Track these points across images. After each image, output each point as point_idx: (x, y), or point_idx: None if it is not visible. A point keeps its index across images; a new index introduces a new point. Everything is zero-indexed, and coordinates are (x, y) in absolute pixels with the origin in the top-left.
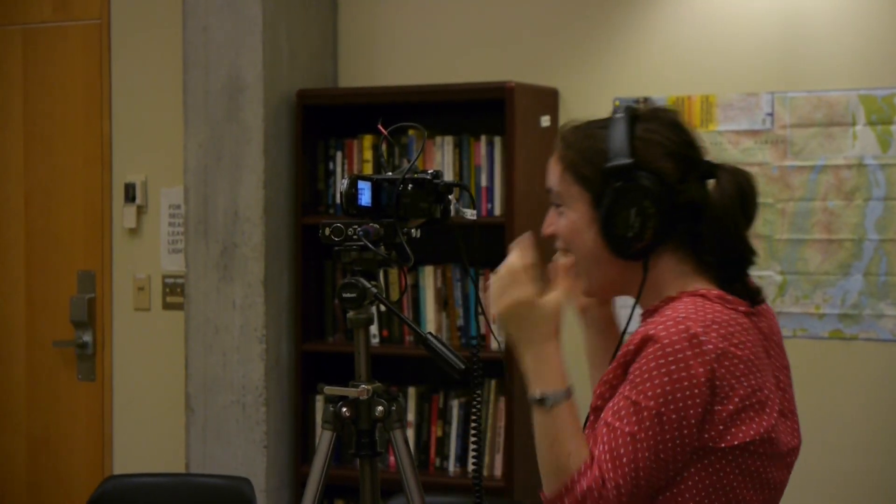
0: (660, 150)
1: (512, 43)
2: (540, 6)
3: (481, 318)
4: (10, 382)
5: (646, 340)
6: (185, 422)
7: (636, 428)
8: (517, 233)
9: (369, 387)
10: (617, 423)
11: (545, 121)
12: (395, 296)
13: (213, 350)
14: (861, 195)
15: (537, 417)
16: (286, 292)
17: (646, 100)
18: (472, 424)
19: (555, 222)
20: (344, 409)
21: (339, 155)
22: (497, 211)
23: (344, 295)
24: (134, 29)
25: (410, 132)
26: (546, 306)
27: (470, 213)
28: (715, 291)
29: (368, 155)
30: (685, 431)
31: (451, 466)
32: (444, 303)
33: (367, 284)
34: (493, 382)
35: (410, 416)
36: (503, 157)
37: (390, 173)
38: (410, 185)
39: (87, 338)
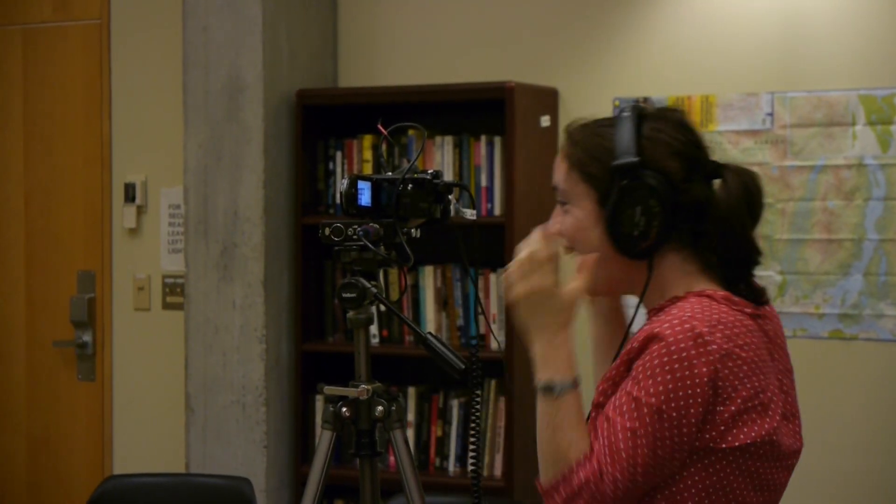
0: (666, 149)
1: (512, 43)
2: (540, 6)
3: (481, 318)
4: (10, 382)
5: (651, 338)
6: (185, 422)
7: (637, 424)
8: (517, 233)
9: (369, 387)
10: (617, 418)
11: (545, 121)
12: (394, 296)
13: (213, 350)
14: (861, 195)
15: (542, 405)
16: (286, 292)
17: (646, 100)
18: (472, 424)
19: (560, 220)
20: (344, 409)
21: (338, 155)
22: (497, 211)
23: (344, 295)
24: (134, 29)
25: (410, 132)
26: (564, 297)
27: (470, 213)
28: (721, 293)
29: (368, 155)
30: (684, 430)
31: (451, 466)
32: (443, 303)
33: (367, 284)
34: (492, 382)
35: (410, 416)
36: (503, 157)
37: (390, 173)
38: (410, 185)
39: (87, 338)
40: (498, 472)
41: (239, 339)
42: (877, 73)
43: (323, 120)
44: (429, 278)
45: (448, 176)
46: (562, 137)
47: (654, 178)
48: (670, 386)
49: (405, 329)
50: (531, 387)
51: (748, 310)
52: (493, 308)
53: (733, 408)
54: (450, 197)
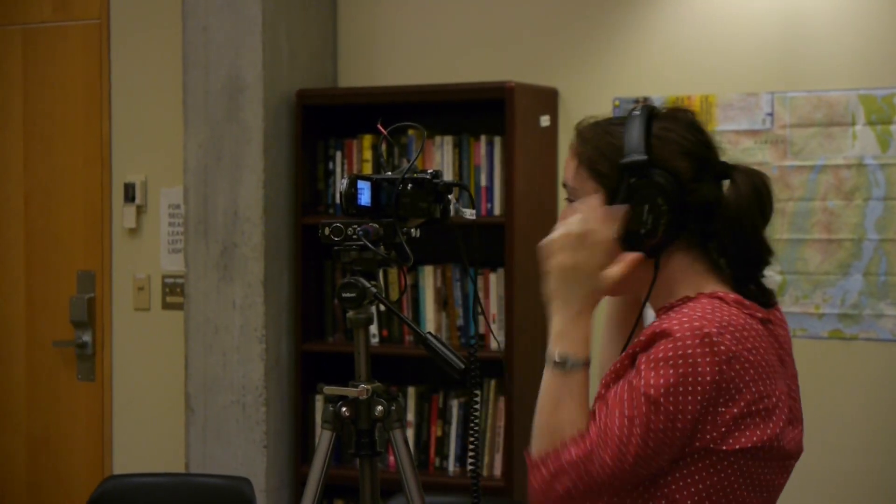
0: (676, 148)
1: (512, 43)
2: (540, 6)
3: (481, 318)
4: (10, 382)
5: (659, 335)
6: (185, 422)
7: (634, 413)
8: (517, 233)
9: (369, 386)
10: (616, 406)
11: (545, 121)
12: (394, 295)
13: (213, 350)
14: (861, 195)
15: (550, 377)
16: (286, 292)
17: (645, 100)
18: (472, 424)
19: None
20: (344, 409)
21: (338, 155)
22: (497, 211)
23: (344, 295)
24: (134, 29)
25: (410, 132)
26: (601, 280)
27: (469, 213)
28: (732, 295)
29: (368, 155)
30: (678, 425)
31: (451, 466)
32: (443, 302)
33: (367, 284)
34: (492, 382)
35: (410, 416)
36: (503, 157)
37: (390, 173)
38: (410, 185)
39: (87, 338)
40: (497, 472)
41: (239, 339)
42: (877, 73)
43: (323, 120)
44: (428, 278)
45: (448, 176)
46: (572, 135)
47: (662, 176)
48: (671, 380)
49: (405, 329)
50: (531, 387)
51: (759, 314)
52: (493, 308)
53: (735, 410)
54: (449, 197)
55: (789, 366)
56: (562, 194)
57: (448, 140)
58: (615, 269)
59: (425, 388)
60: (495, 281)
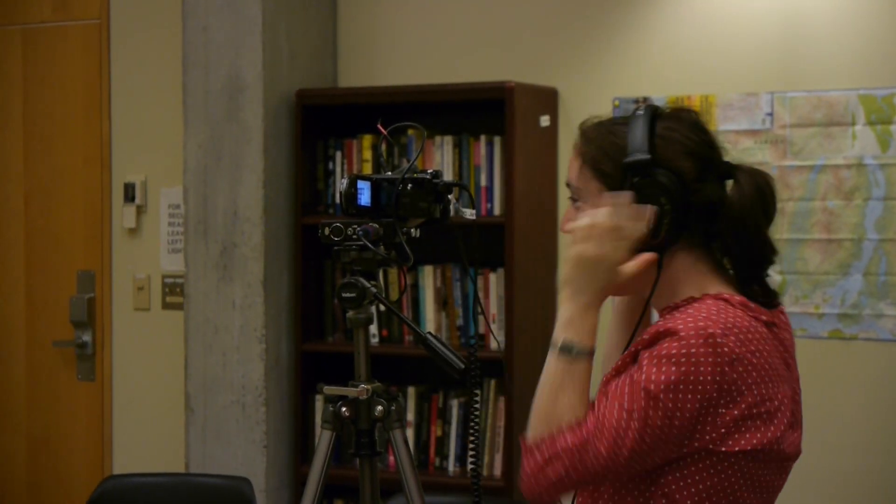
0: (679, 148)
1: (512, 43)
2: (540, 6)
3: (481, 317)
4: (10, 382)
5: (664, 333)
6: (185, 422)
7: (633, 406)
8: (517, 233)
9: (369, 386)
10: (615, 398)
11: (545, 121)
12: (394, 295)
13: (212, 350)
14: (861, 195)
15: (554, 363)
16: (286, 292)
17: (645, 99)
18: (472, 424)
19: (573, 218)
20: (343, 409)
21: (338, 155)
22: (497, 211)
23: (343, 295)
24: (134, 29)
25: (410, 132)
26: (617, 275)
27: (469, 213)
28: (738, 298)
29: (368, 155)
30: (675, 423)
31: (451, 466)
32: (443, 302)
33: (367, 284)
34: (492, 382)
35: (410, 416)
36: (503, 157)
37: (390, 173)
38: (410, 185)
39: (87, 338)
40: (497, 471)
41: (239, 339)
42: (877, 73)
43: (323, 120)
44: (428, 278)
45: (448, 176)
46: (576, 135)
47: (665, 176)
48: (673, 378)
49: (405, 329)
50: (531, 387)
51: (764, 317)
52: (493, 308)
53: (736, 412)
54: (449, 197)
55: (793, 369)
56: (562, 194)
57: (448, 140)
58: (630, 267)
59: (425, 388)
60: (495, 281)
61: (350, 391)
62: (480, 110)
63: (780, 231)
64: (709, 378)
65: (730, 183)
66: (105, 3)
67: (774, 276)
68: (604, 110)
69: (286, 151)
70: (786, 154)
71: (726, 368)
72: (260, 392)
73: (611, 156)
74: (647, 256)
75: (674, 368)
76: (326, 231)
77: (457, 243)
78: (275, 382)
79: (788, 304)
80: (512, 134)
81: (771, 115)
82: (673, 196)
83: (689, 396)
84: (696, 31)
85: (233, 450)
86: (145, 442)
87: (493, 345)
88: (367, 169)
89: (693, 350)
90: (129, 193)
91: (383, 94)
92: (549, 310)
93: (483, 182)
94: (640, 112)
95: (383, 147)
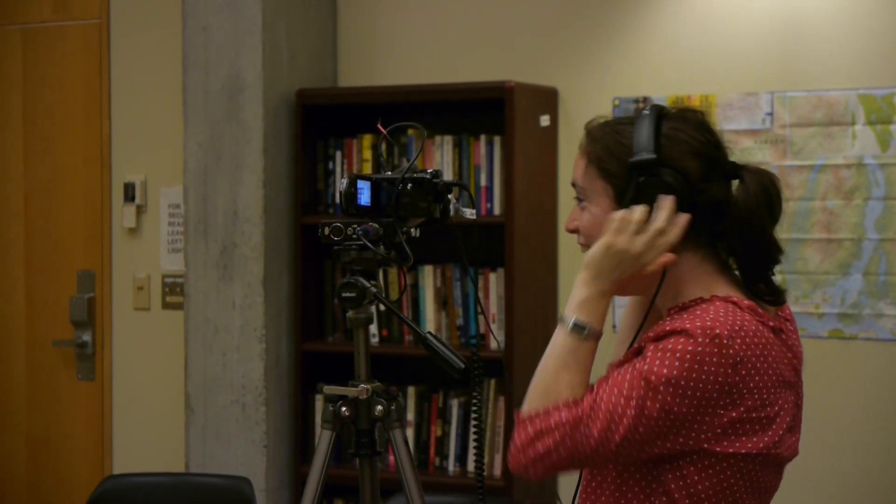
0: (685, 148)
1: (512, 43)
2: (540, 6)
3: (481, 317)
4: (10, 382)
5: (670, 331)
6: (185, 422)
7: (631, 393)
8: (516, 232)
9: (369, 386)
10: (615, 384)
11: (545, 120)
12: (394, 295)
13: (212, 350)
14: (860, 195)
15: (561, 339)
16: (286, 292)
17: (645, 99)
18: (473, 424)
19: (578, 217)
20: (343, 409)
21: (338, 154)
22: (496, 210)
23: (343, 294)
24: (134, 29)
25: (410, 132)
26: (643, 269)
27: (469, 213)
28: (746, 301)
29: (368, 154)
30: (671, 417)
31: (451, 466)
32: (443, 302)
33: (367, 284)
34: (492, 382)
35: (410, 416)
36: (503, 157)
37: (390, 173)
38: (410, 185)
39: (87, 337)
40: (497, 471)
41: (239, 338)
42: (876, 72)
43: (323, 120)
44: (428, 278)
45: (448, 175)
46: (582, 135)
47: (671, 176)
48: (675, 373)
49: (405, 329)
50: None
51: (771, 323)
52: (493, 308)
53: (734, 414)
54: (449, 196)
55: (800, 375)
56: (562, 194)
57: (448, 140)
58: (652, 266)
59: (425, 388)
60: (495, 281)
61: (350, 391)
62: (480, 110)
63: (779, 230)
64: (711, 378)
65: (735, 183)
66: (105, 2)
67: (775, 277)
68: (604, 110)
69: (286, 151)
70: (786, 154)
71: (730, 370)
72: (260, 392)
73: (616, 155)
74: (668, 257)
75: (677, 364)
76: (326, 231)
77: (457, 243)
78: (275, 382)
79: (789, 304)
80: (512, 134)
81: (771, 114)
82: (679, 196)
83: (689, 394)
84: (696, 31)
85: (233, 450)
86: (145, 442)
87: (493, 345)
88: (367, 169)
89: (699, 349)
90: (129, 193)
91: (383, 94)
92: (549, 309)
93: (483, 182)
94: (646, 112)
95: (383, 147)
